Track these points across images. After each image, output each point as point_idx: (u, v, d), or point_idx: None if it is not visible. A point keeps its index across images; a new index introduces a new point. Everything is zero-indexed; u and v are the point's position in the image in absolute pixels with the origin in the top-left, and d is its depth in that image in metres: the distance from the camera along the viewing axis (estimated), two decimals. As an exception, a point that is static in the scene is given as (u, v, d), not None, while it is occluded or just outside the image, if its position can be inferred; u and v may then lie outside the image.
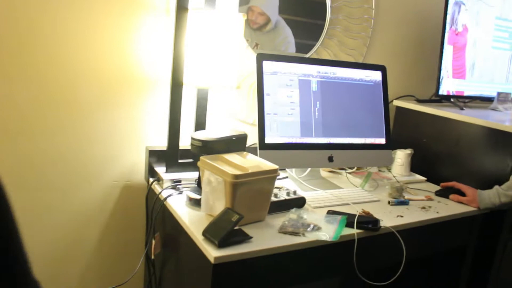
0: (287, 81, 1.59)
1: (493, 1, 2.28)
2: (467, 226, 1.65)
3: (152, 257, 1.54)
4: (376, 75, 1.78)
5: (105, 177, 1.62)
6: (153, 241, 1.51)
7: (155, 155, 1.63)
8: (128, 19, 1.54)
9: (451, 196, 1.67)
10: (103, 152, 1.60)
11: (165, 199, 1.42)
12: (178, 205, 1.38)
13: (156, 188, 1.53)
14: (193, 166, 1.53)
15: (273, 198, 1.36)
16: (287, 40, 1.88)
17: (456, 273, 1.77)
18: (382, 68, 1.79)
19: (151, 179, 1.60)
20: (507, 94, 2.15)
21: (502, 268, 1.70)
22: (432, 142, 1.97)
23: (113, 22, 1.52)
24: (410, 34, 2.26)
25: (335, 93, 1.69)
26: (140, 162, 1.66)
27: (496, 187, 1.58)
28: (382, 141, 1.76)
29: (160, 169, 1.60)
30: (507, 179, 1.58)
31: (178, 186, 1.51)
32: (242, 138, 1.43)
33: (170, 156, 1.57)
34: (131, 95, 1.60)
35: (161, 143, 1.66)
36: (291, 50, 1.89)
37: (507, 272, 1.70)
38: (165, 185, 1.52)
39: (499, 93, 2.17)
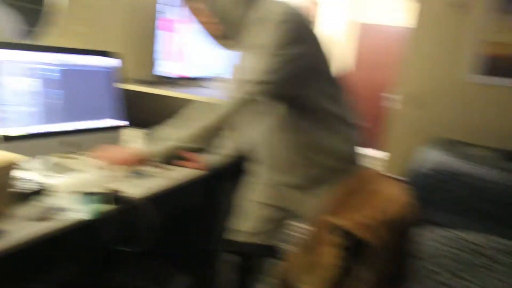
0: (22, 69, 1.51)
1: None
2: (201, 185, 1.96)
3: None
4: (110, 61, 1.87)
5: None
6: None
7: None
8: None
9: (183, 163, 1.91)
10: None
11: None
12: None
13: None
14: None
15: (15, 189, 1.31)
16: (5, 25, 1.76)
17: (200, 228, 2.09)
18: (114, 55, 1.89)
19: None
20: (217, 75, 2.59)
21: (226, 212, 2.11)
22: (162, 120, 2.20)
23: None
24: (140, 22, 2.45)
25: (74, 80, 1.70)
26: None
27: (214, 151, 1.94)
28: (121, 123, 1.89)
29: None
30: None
31: None
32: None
33: None
34: None
35: None
36: (13, 36, 1.78)
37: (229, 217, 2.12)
38: None
39: (211, 75, 2.60)
